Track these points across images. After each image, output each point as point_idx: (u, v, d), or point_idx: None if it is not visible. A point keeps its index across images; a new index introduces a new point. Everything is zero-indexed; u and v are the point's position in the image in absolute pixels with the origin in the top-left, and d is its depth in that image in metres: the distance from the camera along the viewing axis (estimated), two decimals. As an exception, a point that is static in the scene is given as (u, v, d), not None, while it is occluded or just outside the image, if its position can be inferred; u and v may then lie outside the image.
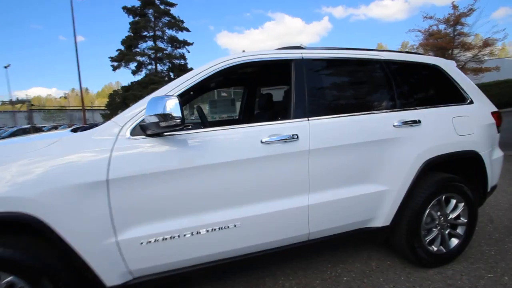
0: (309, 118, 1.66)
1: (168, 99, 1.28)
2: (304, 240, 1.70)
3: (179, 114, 1.27)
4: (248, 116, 3.04)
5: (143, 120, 1.38)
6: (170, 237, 1.40)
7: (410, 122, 1.85)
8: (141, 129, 1.39)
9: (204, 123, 1.95)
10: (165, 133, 1.41)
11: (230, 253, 1.54)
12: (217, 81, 2.48)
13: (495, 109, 2.26)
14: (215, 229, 1.46)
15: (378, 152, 1.78)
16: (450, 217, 2.04)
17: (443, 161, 1.92)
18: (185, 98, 2.55)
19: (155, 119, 1.28)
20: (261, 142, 1.53)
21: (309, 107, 1.68)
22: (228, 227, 1.48)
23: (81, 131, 1.56)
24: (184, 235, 1.42)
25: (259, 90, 3.09)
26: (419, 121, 1.87)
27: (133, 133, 1.39)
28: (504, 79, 15.32)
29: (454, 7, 17.49)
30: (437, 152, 1.89)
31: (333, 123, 1.71)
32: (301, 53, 1.77)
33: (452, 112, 2.03)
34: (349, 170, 1.73)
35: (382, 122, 1.81)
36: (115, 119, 1.45)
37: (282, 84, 2.70)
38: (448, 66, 2.22)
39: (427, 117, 1.91)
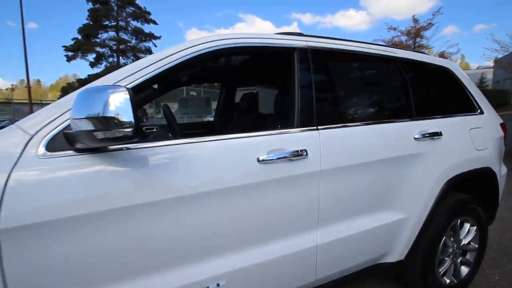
0: (319, 127, 1.24)
1: (113, 92, 0.76)
2: (307, 289, 1.28)
3: (131, 119, 0.76)
4: (225, 119, 2.55)
5: (68, 126, 0.84)
6: (115, 314, 0.87)
7: (431, 135, 1.53)
8: (67, 141, 0.85)
9: (172, 128, 1.42)
10: (111, 147, 0.89)
11: None
12: (191, 73, 1.94)
13: (501, 120, 2.07)
14: (188, 293, 0.97)
15: (397, 171, 1.42)
16: (462, 243, 1.78)
17: (462, 181, 1.64)
18: (146, 95, 1.99)
19: (88, 125, 0.75)
20: (258, 160, 1.06)
21: (318, 112, 1.26)
22: None
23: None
24: (138, 307, 0.90)
25: (240, 88, 2.61)
26: (440, 133, 1.56)
27: (52, 146, 0.84)
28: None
29: (415, 20, 18.73)
30: (458, 170, 1.60)
31: (348, 134, 1.31)
32: (306, 40, 1.35)
33: (468, 123, 1.77)
34: (366, 195, 1.34)
35: (402, 133, 1.46)
36: (20, 122, 0.88)
37: (272, 81, 2.24)
38: (457, 70, 1.97)
39: (447, 129, 1.61)
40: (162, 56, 1.05)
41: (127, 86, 0.91)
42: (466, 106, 1.90)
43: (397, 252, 1.50)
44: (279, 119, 1.47)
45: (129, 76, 0.99)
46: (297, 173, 1.12)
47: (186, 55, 1.07)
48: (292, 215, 1.15)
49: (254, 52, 1.33)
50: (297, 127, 1.21)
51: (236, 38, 1.19)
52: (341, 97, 1.46)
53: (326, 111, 1.32)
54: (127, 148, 0.92)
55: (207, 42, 1.12)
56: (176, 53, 1.06)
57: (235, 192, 1.02)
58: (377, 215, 1.39)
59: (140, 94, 2.01)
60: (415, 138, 1.47)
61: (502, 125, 2.03)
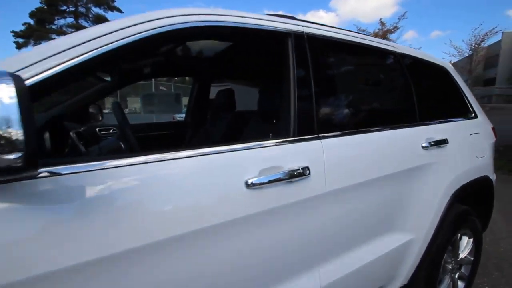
0: (320, 135, 0.97)
1: None
2: None
3: (19, 136, 0.41)
4: (198, 119, 2.21)
5: None
6: None
7: (438, 142, 1.34)
8: None
9: (125, 135, 1.03)
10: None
11: None
12: (151, 61, 1.53)
13: (491, 124, 1.98)
14: None
15: (407, 185, 1.21)
16: (460, 257, 1.65)
17: (466, 192, 1.49)
18: (100, 88, 1.58)
19: None
20: (246, 185, 0.77)
21: (319, 116, 0.99)
22: None
23: None
24: None
25: (216, 84, 2.27)
26: (447, 141, 1.38)
27: None
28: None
29: (382, 23, 19.51)
30: (463, 181, 1.44)
31: (355, 143, 1.06)
32: (302, 26, 1.07)
33: (468, 128, 1.63)
34: (375, 217, 1.11)
35: (412, 141, 1.25)
36: None
37: (257, 75, 1.93)
38: (453, 70, 1.83)
39: (451, 135, 1.44)
40: (103, 32, 0.70)
41: (34, 77, 0.56)
42: (463, 109, 1.76)
43: (401, 277, 1.30)
44: (267, 124, 1.18)
45: (49, 57, 0.62)
46: (298, 198, 0.84)
47: (140, 33, 0.73)
48: (289, 253, 0.87)
49: (236, 35, 1.02)
50: (294, 136, 0.93)
51: (213, 15, 0.87)
52: (346, 97, 1.20)
53: (328, 115, 1.06)
54: (51, 174, 0.57)
55: (172, 17, 0.79)
56: (124, 28, 0.72)
57: (214, 233, 0.72)
58: (384, 239, 1.17)
59: (91, 87, 1.60)
60: (423, 147, 1.27)
61: (493, 129, 1.94)
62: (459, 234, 1.57)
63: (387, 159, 1.12)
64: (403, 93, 1.38)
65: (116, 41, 0.69)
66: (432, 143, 1.33)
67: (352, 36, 1.21)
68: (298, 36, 1.02)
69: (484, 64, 23.13)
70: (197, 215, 0.69)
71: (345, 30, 1.26)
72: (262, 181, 0.78)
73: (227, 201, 0.74)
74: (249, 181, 0.76)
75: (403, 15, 18.76)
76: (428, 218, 1.30)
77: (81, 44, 0.66)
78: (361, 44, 1.22)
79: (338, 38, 1.15)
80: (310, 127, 0.96)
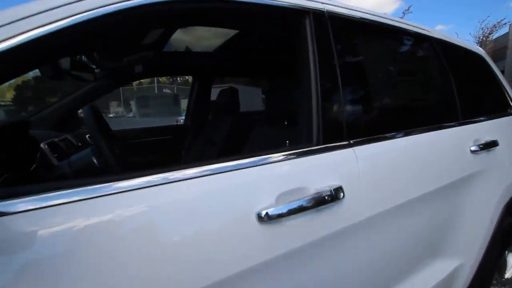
0: (351, 141, 0.75)
1: None
2: None
3: None
4: (199, 122, 1.99)
5: None
6: None
7: (487, 145, 1.10)
8: None
9: (98, 147, 0.78)
10: None
11: None
12: (138, 56, 1.30)
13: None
14: None
15: (453, 201, 0.97)
16: (505, 277, 1.41)
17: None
18: (89, 91, 1.38)
19: None
20: (259, 217, 0.54)
21: (348, 118, 0.77)
22: None
23: None
24: None
25: (217, 85, 2.06)
26: (497, 143, 1.14)
27: None
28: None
29: (386, 18, 19.13)
30: None
31: (397, 150, 0.82)
32: (322, 2, 0.84)
33: (513, 125, 1.39)
34: (419, 243, 0.88)
35: (458, 144, 1.02)
36: None
37: (267, 67, 1.68)
38: (488, 56, 1.59)
39: (500, 135, 1.20)
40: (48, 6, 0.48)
41: None
42: (503, 103, 1.52)
43: None
44: (281, 129, 0.96)
45: None
46: (329, 231, 0.62)
47: (98, 9, 0.51)
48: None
49: (239, 12, 0.79)
50: (318, 144, 0.70)
51: None
52: (380, 92, 0.97)
53: (360, 115, 0.83)
54: None
55: None
56: None
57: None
58: (428, 269, 0.93)
59: (79, 89, 1.40)
60: (471, 151, 1.04)
61: None
62: (506, 252, 1.33)
63: (436, 168, 0.89)
64: (443, 86, 1.15)
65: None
66: (482, 146, 1.09)
67: (384, 18, 0.98)
68: (318, 15, 0.79)
69: (492, 57, 22.55)
70: (192, 273, 0.48)
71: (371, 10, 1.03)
72: (280, 212, 0.56)
73: (234, 245, 0.52)
74: (263, 213, 0.54)
75: (408, 9, 18.36)
76: (478, 237, 1.06)
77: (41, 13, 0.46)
78: (395, 27, 0.99)
79: (367, 19, 0.92)
80: (339, 131, 0.73)
